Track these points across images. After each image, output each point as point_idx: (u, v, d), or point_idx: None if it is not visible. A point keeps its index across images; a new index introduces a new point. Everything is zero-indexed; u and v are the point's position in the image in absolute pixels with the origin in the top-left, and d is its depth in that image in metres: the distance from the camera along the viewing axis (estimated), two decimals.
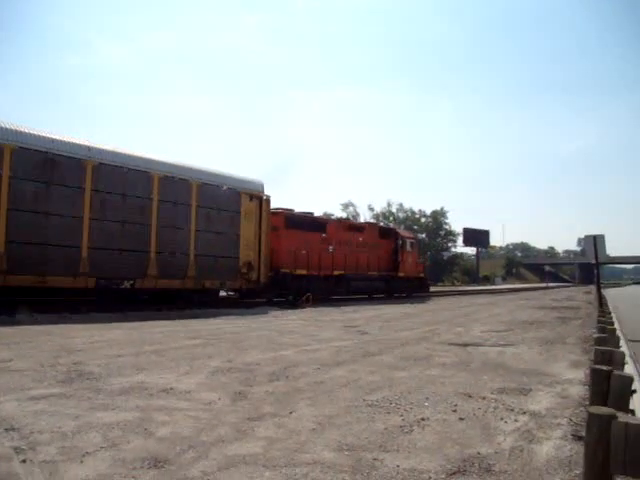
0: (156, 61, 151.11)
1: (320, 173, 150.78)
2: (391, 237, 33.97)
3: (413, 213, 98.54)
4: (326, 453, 4.35)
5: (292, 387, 6.70)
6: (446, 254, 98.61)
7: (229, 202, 21.84)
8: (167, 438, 4.60)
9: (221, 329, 13.39)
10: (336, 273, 27.87)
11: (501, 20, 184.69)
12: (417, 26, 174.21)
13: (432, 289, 47.58)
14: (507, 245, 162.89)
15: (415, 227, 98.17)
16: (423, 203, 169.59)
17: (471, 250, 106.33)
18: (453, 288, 58.61)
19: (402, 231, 37.45)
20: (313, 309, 21.92)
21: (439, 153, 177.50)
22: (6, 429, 4.70)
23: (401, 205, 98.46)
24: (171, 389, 6.35)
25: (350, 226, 31.44)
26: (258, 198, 23.04)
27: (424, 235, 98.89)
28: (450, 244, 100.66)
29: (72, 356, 8.53)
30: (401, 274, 33.31)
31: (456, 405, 5.98)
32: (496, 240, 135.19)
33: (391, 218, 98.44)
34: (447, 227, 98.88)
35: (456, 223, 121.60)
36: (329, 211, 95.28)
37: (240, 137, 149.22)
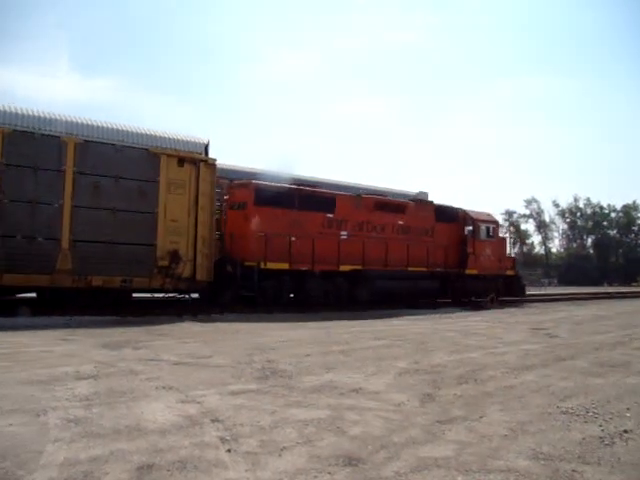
0: (331, 65, 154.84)
1: (500, 170, 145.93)
2: (456, 220, 25.16)
3: (602, 208, 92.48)
4: (520, 461, 4.23)
5: (481, 391, 6.59)
6: None
7: (137, 167, 15.84)
8: (359, 437, 4.71)
9: (405, 330, 13.45)
10: (346, 268, 20.16)
11: None
12: (598, 12, 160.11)
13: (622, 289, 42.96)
14: None
15: (604, 223, 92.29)
16: (612, 197, 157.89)
17: None
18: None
19: (474, 212, 26.60)
20: (498, 311, 21.33)
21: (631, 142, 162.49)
22: (212, 420, 5.07)
23: (588, 200, 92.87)
24: (360, 389, 6.49)
25: (381, 204, 22.42)
26: (193, 162, 16.81)
27: (615, 231, 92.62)
28: None
29: (265, 354, 8.97)
30: (472, 271, 24.71)
31: None
32: None
33: (578, 214, 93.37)
34: None
35: None
36: (512, 208, 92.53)
37: (418, 137, 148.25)
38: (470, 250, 24.73)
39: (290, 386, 6.59)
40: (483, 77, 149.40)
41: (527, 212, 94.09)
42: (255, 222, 18.06)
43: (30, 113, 17.20)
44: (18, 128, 15.04)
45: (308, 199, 19.74)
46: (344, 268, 20.07)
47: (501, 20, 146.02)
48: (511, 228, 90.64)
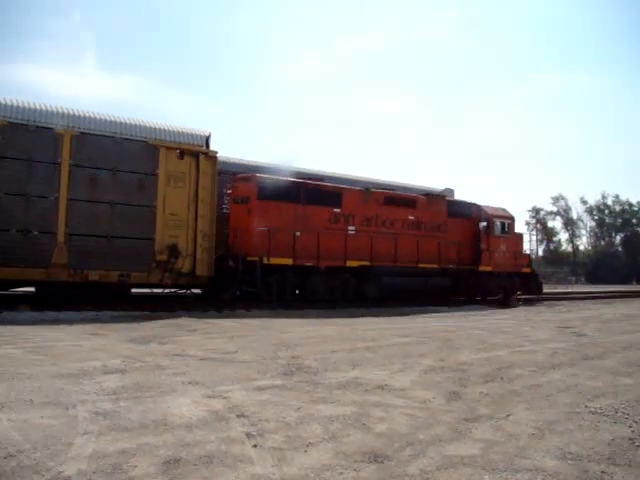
0: (353, 64, 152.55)
1: (526, 168, 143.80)
2: (470, 216, 24.21)
3: (631, 205, 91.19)
4: (548, 460, 4.18)
5: (507, 389, 6.53)
6: None
7: (136, 160, 15.63)
8: (385, 434, 4.69)
9: (430, 327, 13.40)
10: (353, 264, 19.65)
11: None
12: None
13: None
14: None
15: (633, 220, 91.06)
16: None
17: None
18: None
19: (489, 208, 25.30)
20: (522, 308, 21.14)
21: None
22: (237, 415, 5.09)
23: (617, 197, 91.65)
24: (386, 386, 6.47)
25: (390, 198, 21.66)
26: (193, 154, 16.60)
27: None
28: None
29: (290, 350, 8.99)
30: (486, 268, 23.87)
31: None
32: None
33: (606, 211, 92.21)
34: None
35: None
36: (539, 206, 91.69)
37: (446, 136, 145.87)
38: (484, 246, 23.92)
39: (315, 382, 6.59)
40: (509, 76, 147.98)
41: (554, 209, 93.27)
42: (258, 217, 17.70)
43: (27, 105, 17.04)
44: (13, 120, 14.94)
45: (314, 193, 19.27)
46: (351, 264, 19.60)
47: (525, 17, 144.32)
48: (538, 225, 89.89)
